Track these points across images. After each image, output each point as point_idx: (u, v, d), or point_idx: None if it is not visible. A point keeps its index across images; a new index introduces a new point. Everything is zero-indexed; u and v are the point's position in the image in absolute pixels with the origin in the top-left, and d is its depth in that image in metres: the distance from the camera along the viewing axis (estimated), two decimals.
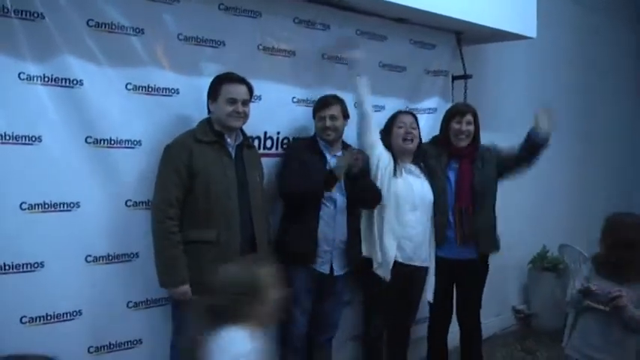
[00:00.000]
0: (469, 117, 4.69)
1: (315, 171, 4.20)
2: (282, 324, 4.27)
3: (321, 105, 4.31)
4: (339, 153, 4.31)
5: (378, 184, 4.41)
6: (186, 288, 3.58)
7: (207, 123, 3.80)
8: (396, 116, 4.61)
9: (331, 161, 4.27)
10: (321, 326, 4.46)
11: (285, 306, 3.56)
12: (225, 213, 3.69)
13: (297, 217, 4.23)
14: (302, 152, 4.27)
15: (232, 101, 3.75)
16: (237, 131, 3.88)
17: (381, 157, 4.46)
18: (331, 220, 4.24)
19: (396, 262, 4.42)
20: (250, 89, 3.86)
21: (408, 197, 4.46)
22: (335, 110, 4.27)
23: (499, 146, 4.85)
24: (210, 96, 3.81)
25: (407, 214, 4.46)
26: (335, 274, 4.32)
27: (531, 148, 4.69)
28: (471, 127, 4.69)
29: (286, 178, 4.23)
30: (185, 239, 3.62)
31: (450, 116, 4.75)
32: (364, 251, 4.47)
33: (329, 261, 4.28)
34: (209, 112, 3.85)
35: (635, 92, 8.41)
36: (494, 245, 4.77)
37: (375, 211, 4.44)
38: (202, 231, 3.63)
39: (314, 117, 4.35)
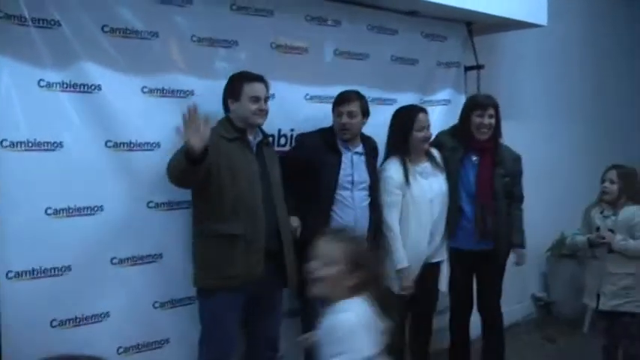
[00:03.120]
0: (491, 110, 4.66)
1: (328, 171, 4.20)
2: (305, 324, 4.26)
3: (341, 100, 4.26)
4: (359, 148, 4.32)
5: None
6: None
7: (227, 121, 3.84)
8: (414, 117, 4.45)
9: (346, 156, 4.27)
10: None
11: None
12: (251, 207, 3.72)
13: (307, 215, 4.19)
14: (317, 149, 4.23)
15: (256, 99, 3.80)
16: (256, 129, 3.92)
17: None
18: (351, 219, 4.21)
19: None
20: (267, 86, 3.91)
21: (424, 203, 4.45)
22: (354, 106, 4.24)
23: (521, 166, 4.87)
24: (231, 95, 3.83)
25: (425, 220, 4.47)
26: None
27: None
28: (493, 121, 4.67)
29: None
30: (213, 233, 3.66)
31: (471, 108, 4.72)
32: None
33: None
34: (227, 110, 3.87)
35: None
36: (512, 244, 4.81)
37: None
38: (229, 225, 3.65)
39: (333, 111, 4.30)
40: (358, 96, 4.30)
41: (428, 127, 4.48)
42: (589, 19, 7.40)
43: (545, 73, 6.79)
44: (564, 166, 6.93)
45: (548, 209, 6.51)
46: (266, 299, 3.94)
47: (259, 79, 3.86)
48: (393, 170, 4.42)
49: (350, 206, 4.24)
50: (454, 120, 4.90)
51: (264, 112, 3.86)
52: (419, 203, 4.42)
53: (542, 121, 6.69)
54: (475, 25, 5.52)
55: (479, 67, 5.58)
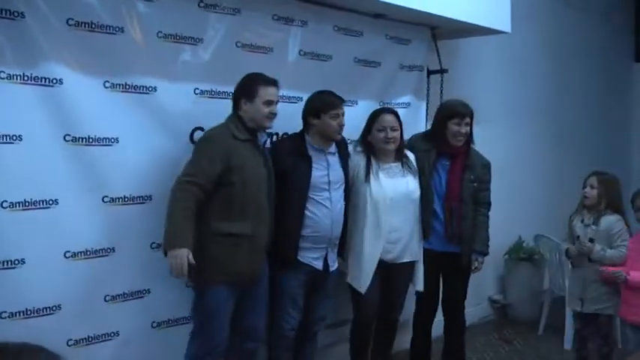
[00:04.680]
0: (468, 119, 4.73)
1: (299, 177, 4.21)
2: (274, 320, 4.32)
3: (333, 103, 4.27)
4: (332, 148, 4.37)
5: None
6: (184, 251, 3.59)
7: (239, 120, 3.93)
8: (377, 116, 4.56)
9: (319, 159, 4.29)
10: (311, 320, 4.49)
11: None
12: (259, 208, 3.90)
13: (280, 218, 4.20)
14: (288, 157, 4.23)
15: (269, 103, 3.92)
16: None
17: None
18: (328, 221, 4.27)
19: (382, 262, 4.50)
20: (278, 89, 4.03)
21: (386, 201, 4.47)
22: (343, 108, 4.33)
23: (490, 173, 4.95)
24: (245, 95, 3.92)
25: (387, 218, 4.48)
26: (330, 269, 4.40)
27: None
28: (469, 129, 4.75)
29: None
30: (221, 232, 3.80)
31: (448, 116, 4.76)
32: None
33: (323, 257, 4.33)
34: (237, 109, 3.95)
35: (606, 86, 8.54)
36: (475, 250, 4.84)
37: (359, 226, 4.50)
38: (238, 224, 3.81)
39: (316, 116, 4.28)
40: (341, 98, 4.37)
41: (392, 128, 4.51)
42: (550, 26, 7.52)
43: (506, 79, 6.90)
44: (523, 171, 7.04)
45: (506, 213, 6.58)
46: (255, 290, 4.05)
47: (274, 83, 3.97)
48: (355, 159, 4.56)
49: (328, 207, 4.27)
50: (413, 123, 5.02)
51: (273, 116, 3.97)
52: (377, 202, 4.45)
53: (502, 125, 6.77)
54: (439, 30, 5.57)
55: (442, 70, 5.63)
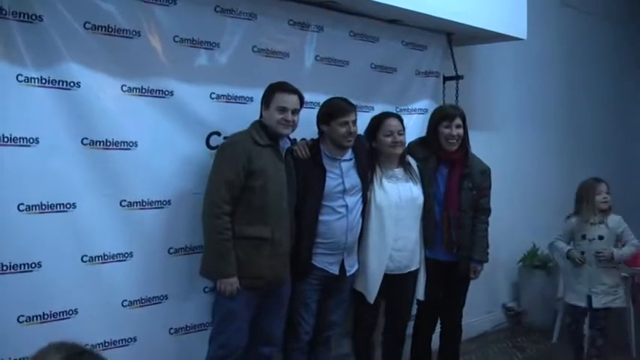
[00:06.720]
0: (458, 120, 4.65)
1: (313, 189, 4.17)
2: (289, 325, 4.27)
3: (342, 110, 4.19)
4: (348, 155, 4.32)
5: None
6: (235, 280, 3.82)
7: (261, 126, 3.98)
8: (382, 122, 4.47)
9: (334, 167, 4.25)
10: (325, 324, 4.45)
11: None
12: (279, 212, 3.94)
13: (296, 226, 4.16)
14: (302, 166, 4.19)
15: (283, 110, 3.93)
16: (285, 137, 4.07)
17: None
18: (343, 228, 4.24)
19: (387, 274, 4.44)
20: (301, 99, 4.04)
21: (391, 207, 4.42)
22: (354, 115, 4.25)
23: (490, 179, 4.84)
24: (264, 102, 4.00)
25: (392, 225, 4.43)
26: (347, 274, 4.36)
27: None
28: (461, 131, 4.66)
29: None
30: (241, 234, 3.85)
31: (438, 120, 4.70)
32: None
33: (339, 262, 4.30)
34: (261, 116, 4.03)
35: (621, 92, 8.52)
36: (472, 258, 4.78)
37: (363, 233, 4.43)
38: (258, 228, 3.87)
39: (326, 123, 4.24)
40: (353, 104, 4.29)
41: (399, 132, 4.45)
42: (566, 33, 7.50)
43: (522, 86, 6.88)
44: (537, 178, 7.01)
45: (520, 220, 6.57)
46: (278, 295, 4.08)
47: (292, 91, 4.00)
48: None
49: (343, 214, 4.23)
50: None
51: (289, 123, 3.97)
52: (381, 209, 4.40)
53: (517, 132, 6.76)
54: (455, 36, 5.54)
55: (458, 77, 5.59)
